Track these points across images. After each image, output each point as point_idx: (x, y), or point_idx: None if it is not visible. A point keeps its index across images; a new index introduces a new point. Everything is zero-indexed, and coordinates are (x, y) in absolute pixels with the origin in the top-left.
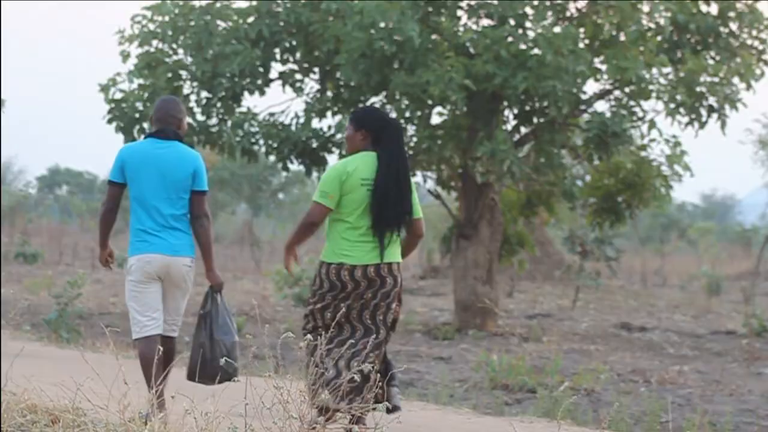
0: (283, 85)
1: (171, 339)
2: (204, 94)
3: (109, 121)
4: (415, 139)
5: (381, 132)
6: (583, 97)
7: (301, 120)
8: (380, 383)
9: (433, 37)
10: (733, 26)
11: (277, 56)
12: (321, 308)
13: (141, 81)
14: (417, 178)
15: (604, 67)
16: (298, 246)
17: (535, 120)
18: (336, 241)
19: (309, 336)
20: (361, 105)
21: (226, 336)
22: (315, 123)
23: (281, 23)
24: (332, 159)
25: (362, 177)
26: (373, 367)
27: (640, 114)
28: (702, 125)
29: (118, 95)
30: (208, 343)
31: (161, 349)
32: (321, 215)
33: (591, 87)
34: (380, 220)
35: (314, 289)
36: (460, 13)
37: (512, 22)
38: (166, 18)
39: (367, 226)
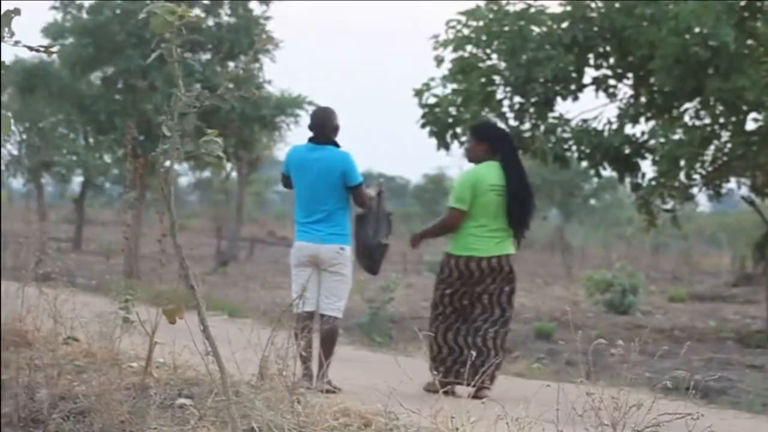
0: (596, 91)
1: (330, 318)
2: (517, 99)
3: (423, 126)
4: (729, 145)
5: (499, 144)
6: None
7: (614, 126)
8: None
9: (749, 42)
10: None
11: (591, 61)
12: (450, 294)
13: (455, 86)
14: (731, 184)
15: None
16: (426, 239)
17: None
18: (464, 237)
19: (439, 318)
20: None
21: None
22: (628, 129)
23: (595, 28)
24: (645, 165)
25: (490, 183)
26: (492, 341)
27: None
28: None
29: (432, 100)
30: None
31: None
32: (459, 219)
33: None
34: (514, 220)
35: (442, 278)
36: None
37: None
38: (480, 23)
39: (497, 226)
